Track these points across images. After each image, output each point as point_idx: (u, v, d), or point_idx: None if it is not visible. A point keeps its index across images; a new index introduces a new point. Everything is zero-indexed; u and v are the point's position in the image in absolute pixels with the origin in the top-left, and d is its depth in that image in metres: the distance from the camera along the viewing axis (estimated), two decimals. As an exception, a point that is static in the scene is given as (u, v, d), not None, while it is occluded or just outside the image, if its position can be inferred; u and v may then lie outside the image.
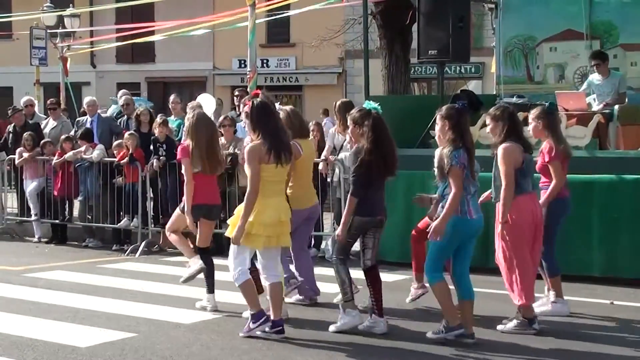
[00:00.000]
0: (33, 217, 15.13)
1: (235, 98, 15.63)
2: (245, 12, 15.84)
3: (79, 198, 14.57)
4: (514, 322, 8.33)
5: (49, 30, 25.30)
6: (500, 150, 8.18)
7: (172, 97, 15.68)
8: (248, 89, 15.42)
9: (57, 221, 14.81)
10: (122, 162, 13.53)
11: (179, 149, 9.44)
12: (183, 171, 9.16)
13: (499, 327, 8.39)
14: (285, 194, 8.44)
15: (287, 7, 22.90)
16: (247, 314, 8.35)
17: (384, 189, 8.45)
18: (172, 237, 9.47)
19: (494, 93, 15.52)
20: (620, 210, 10.84)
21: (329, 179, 12.81)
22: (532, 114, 9.14)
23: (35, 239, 15.00)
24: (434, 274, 7.96)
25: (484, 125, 11.89)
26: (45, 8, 26.26)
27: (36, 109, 18.46)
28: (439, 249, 7.95)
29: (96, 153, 13.93)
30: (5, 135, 16.30)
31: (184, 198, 9.12)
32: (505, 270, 8.36)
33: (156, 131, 13.44)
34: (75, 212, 14.86)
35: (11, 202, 16.22)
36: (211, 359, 7.45)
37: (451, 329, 7.90)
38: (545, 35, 14.88)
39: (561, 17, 14.59)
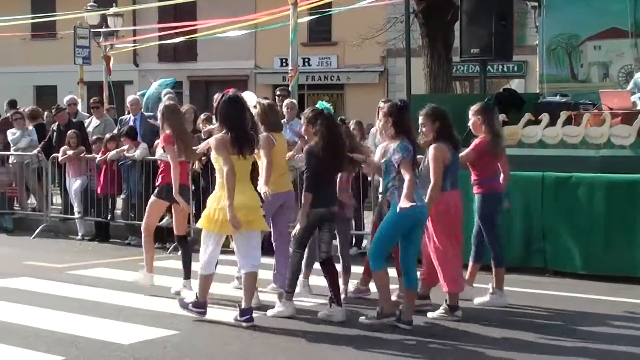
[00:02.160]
0: (76, 215, 15.25)
1: (277, 98, 15.65)
2: (287, 10, 15.86)
3: (122, 196, 14.66)
4: (441, 309, 8.74)
5: (92, 30, 25.47)
6: (431, 150, 8.55)
7: (216, 96, 15.66)
8: (290, 88, 15.45)
9: (100, 219, 14.94)
10: (164, 160, 13.57)
11: (161, 137, 10.06)
12: (167, 157, 9.81)
13: (429, 314, 8.72)
14: (251, 183, 8.77)
15: (329, 5, 22.88)
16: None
17: (335, 183, 8.93)
18: (145, 238, 10.19)
19: (537, 92, 15.41)
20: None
21: (369, 178, 12.79)
22: (472, 109, 9.40)
23: (79, 237, 15.11)
24: (378, 262, 8.32)
25: (527, 124, 11.86)
26: (88, 7, 26.43)
27: (79, 107, 18.60)
28: (386, 237, 8.32)
29: (139, 151, 14.00)
30: (49, 134, 16.46)
31: (158, 183, 10.08)
32: (437, 262, 8.72)
33: (201, 128, 13.42)
34: (118, 210, 14.96)
35: (55, 200, 16.36)
36: (251, 357, 7.49)
37: (385, 316, 8.29)
38: (589, 33, 14.75)
39: (605, 15, 14.45)
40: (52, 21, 31.78)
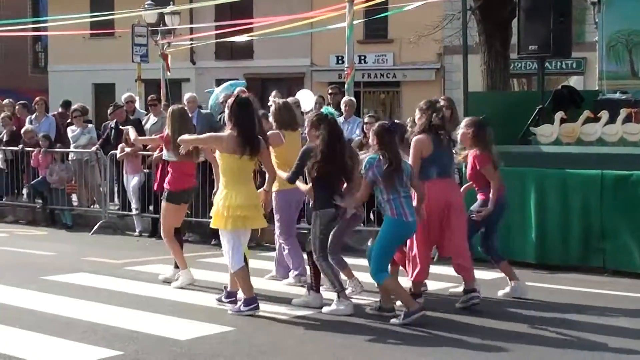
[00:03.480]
0: (134, 212, 15.39)
1: (329, 96, 15.67)
2: (344, 8, 15.85)
3: (179, 193, 14.75)
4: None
5: (150, 28, 25.67)
6: (412, 141, 8.92)
7: (273, 93, 15.77)
8: (346, 86, 15.45)
9: (157, 216, 15.04)
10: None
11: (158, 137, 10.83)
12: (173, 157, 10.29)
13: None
14: (253, 182, 9.18)
15: (386, 2, 22.81)
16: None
17: (340, 187, 9.00)
18: (170, 244, 10.44)
19: (597, 89, 15.23)
20: None
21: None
22: (464, 122, 9.54)
23: (136, 233, 15.28)
24: (381, 274, 8.49)
25: (586, 121, 11.73)
26: (146, 6, 26.64)
27: (137, 105, 18.75)
28: (383, 251, 8.50)
29: (196, 148, 14.05)
30: (108, 131, 16.63)
31: (166, 186, 10.38)
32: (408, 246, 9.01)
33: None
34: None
35: (113, 196, 16.54)
36: (306, 353, 7.50)
37: (412, 313, 8.35)
38: (650, 29, 14.56)
39: (666, 10, 14.26)
40: (111, 20, 32.08)
